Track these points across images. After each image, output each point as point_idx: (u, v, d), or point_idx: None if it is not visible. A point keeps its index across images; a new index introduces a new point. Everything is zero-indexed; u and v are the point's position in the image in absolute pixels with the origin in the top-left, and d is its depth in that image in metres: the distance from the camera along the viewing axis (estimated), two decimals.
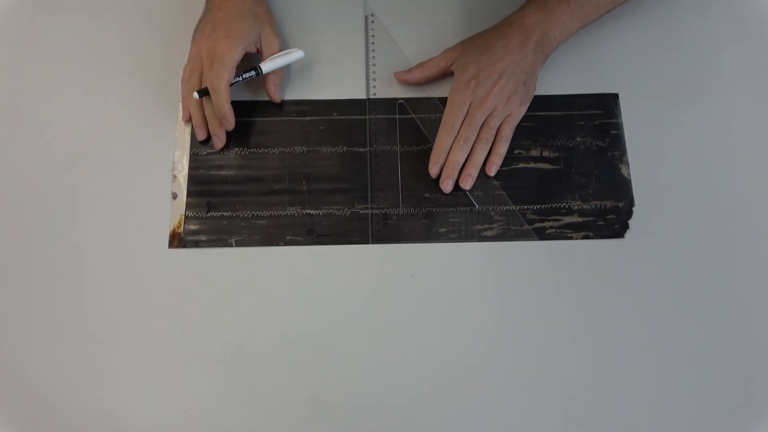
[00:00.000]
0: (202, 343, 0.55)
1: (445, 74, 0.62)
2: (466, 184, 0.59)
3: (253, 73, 0.60)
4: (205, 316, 0.56)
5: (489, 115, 0.59)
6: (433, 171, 0.59)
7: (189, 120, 0.61)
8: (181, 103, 0.62)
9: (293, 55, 0.62)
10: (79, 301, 0.56)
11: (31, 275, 0.57)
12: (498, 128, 0.60)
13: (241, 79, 0.59)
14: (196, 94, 0.59)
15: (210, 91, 0.58)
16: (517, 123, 0.60)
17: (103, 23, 0.66)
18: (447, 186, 0.59)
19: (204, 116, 0.61)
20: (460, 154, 0.59)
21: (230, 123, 0.59)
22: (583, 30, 0.64)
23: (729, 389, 0.54)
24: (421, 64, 0.62)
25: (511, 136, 0.60)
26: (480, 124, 0.59)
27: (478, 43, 0.61)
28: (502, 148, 0.60)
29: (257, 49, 0.61)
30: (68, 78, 0.64)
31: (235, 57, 0.58)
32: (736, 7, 0.67)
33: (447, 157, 0.59)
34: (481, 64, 0.59)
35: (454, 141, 0.59)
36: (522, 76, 0.59)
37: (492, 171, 0.59)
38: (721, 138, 0.61)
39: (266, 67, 0.61)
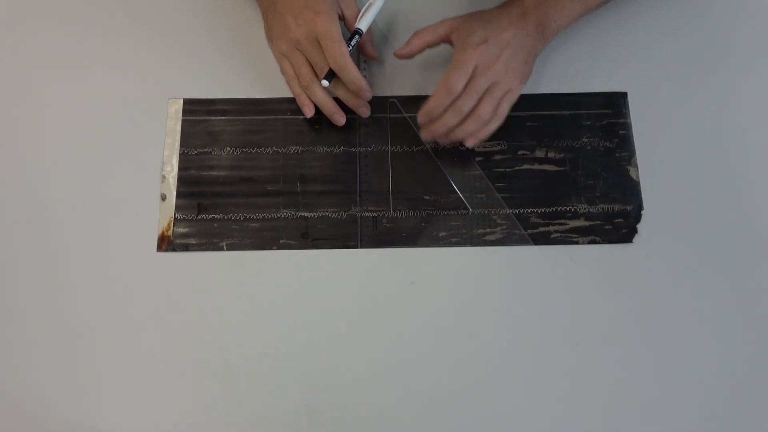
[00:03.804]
0: (192, 351, 0.53)
1: (444, 41, 0.58)
2: (444, 142, 0.57)
3: (357, 37, 0.58)
4: (195, 323, 0.54)
5: (491, 87, 0.56)
6: (421, 118, 0.56)
7: (314, 114, 0.59)
8: (299, 102, 0.59)
9: (378, 3, 0.59)
10: (64, 307, 0.54)
11: (14, 279, 0.55)
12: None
13: (351, 48, 0.57)
14: (325, 82, 0.56)
15: (337, 71, 0.56)
16: (515, 101, 0.57)
17: (90, 20, 0.64)
18: (426, 135, 0.57)
19: (333, 101, 0.59)
20: (453, 119, 0.55)
21: (369, 92, 0.58)
22: (590, 26, 0.62)
23: (741, 397, 0.52)
24: (417, 33, 0.58)
25: (506, 113, 0.57)
26: (482, 92, 0.55)
27: (480, 16, 0.58)
28: (494, 125, 0.57)
29: (340, 15, 0.59)
30: (54, 76, 0.62)
31: (338, 28, 0.56)
32: (750, 6, 0.65)
33: (439, 116, 0.56)
34: (489, 31, 0.56)
35: (450, 104, 0.55)
36: (524, 53, 0.57)
37: (471, 143, 0.57)
38: (733, 139, 0.60)
39: (364, 25, 0.58)
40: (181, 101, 0.61)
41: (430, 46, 0.58)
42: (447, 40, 0.58)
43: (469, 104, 0.55)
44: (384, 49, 0.63)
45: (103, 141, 0.59)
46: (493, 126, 0.57)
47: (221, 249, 0.56)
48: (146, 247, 0.56)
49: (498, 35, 0.56)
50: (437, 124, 0.56)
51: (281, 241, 0.57)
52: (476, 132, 0.56)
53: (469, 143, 0.57)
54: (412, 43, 0.58)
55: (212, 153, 0.59)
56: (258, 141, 0.60)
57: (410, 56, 0.59)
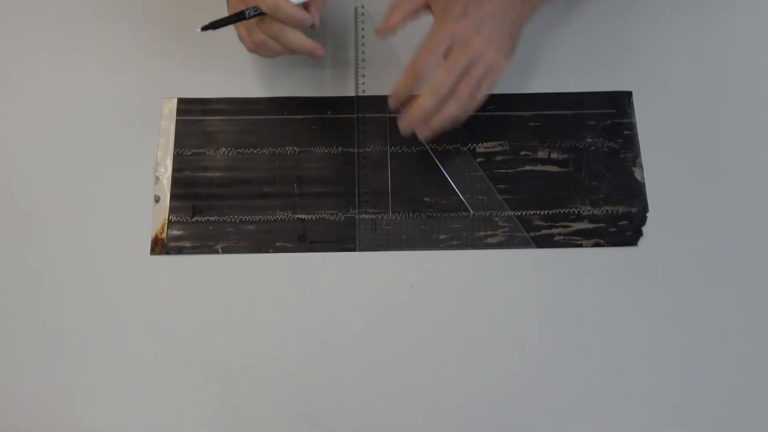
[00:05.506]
0: (186, 356, 0.52)
1: (424, 8, 0.55)
2: (425, 134, 0.52)
3: None
4: (190, 327, 0.53)
5: (472, 63, 0.50)
6: (392, 103, 0.53)
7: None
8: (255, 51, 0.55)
9: None
10: (55, 311, 0.54)
11: (3, 282, 0.54)
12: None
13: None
14: (251, 11, 0.50)
15: (271, 13, 0.50)
16: (498, 80, 0.52)
17: (82, 17, 0.63)
18: (405, 126, 0.52)
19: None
20: (429, 100, 0.50)
21: (310, 19, 0.52)
22: (593, 24, 0.61)
23: (749, 401, 0.52)
24: (394, 4, 0.54)
25: (486, 94, 0.52)
26: (460, 71, 0.50)
27: None
28: (473, 106, 0.52)
29: None
30: (44, 75, 0.61)
31: None
32: (758, 3, 0.63)
33: (413, 101, 0.52)
34: (470, 3, 0.52)
35: (426, 87, 0.51)
36: (508, 26, 0.53)
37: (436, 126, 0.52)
38: (741, 140, 0.59)
39: None
40: (175, 101, 0.60)
41: (410, 17, 0.54)
42: (426, 7, 0.54)
43: (446, 83, 0.50)
44: (382, 49, 0.62)
45: (95, 141, 0.58)
46: (472, 107, 0.52)
47: (216, 252, 0.55)
48: (139, 250, 0.55)
49: (480, 8, 0.51)
50: (413, 109, 0.51)
51: (278, 244, 0.56)
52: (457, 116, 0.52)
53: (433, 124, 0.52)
54: (391, 16, 0.54)
55: (207, 154, 0.58)
56: (254, 141, 0.59)
57: (392, 31, 0.54)
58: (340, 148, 0.58)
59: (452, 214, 0.56)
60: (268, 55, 0.55)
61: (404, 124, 0.53)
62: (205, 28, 0.52)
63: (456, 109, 0.51)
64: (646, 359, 0.52)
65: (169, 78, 0.60)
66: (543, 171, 0.58)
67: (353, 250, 0.55)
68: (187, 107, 0.60)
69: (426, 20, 0.62)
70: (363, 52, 0.62)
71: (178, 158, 0.58)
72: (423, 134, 0.52)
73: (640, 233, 0.56)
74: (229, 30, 0.62)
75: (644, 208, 0.56)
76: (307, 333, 0.53)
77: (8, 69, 0.61)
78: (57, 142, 0.58)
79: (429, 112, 0.51)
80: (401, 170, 0.58)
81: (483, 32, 0.51)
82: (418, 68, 0.51)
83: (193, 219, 0.56)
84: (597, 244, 0.55)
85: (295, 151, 0.58)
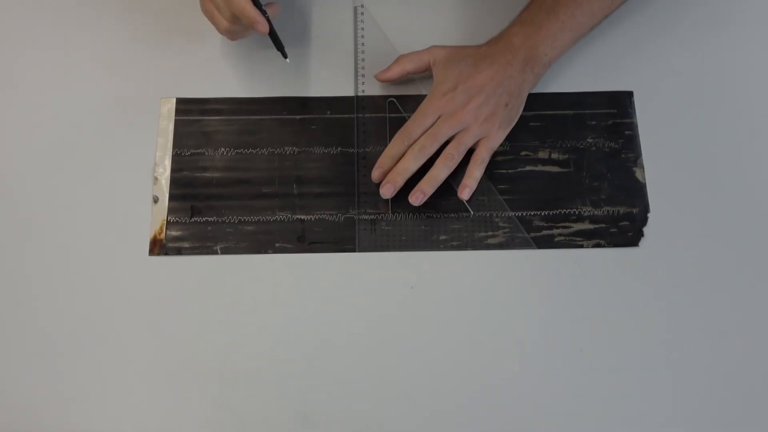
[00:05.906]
0: (184, 358, 0.52)
1: (427, 71, 0.58)
2: (416, 200, 0.54)
3: None
4: (188, 328, 0.53)
5: (461, 132, 0.55)
6: (375, 175, 0.56)
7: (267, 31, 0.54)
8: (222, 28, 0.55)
9: None
10: (53, 312, 0.53)
11: None
12: (474, 150, 0.56)
13: None
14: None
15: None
16: (495, 147, 0.56)
17: (80, 17, 0.63)
18: (385, 191, 0.55)
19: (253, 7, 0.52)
20: (411, 162, 0.54)
21: (261, 25, 0.52)
22: None
23: (750, 403, 0.51)
24: (400, 58, 0.58)
25: (487, 160, 0.56)
26: (443, 138, 0.54)
27: (464, 55, 0.57)
28: (477, 172, 0.55)
29: None
30: (42, 74, 0.61)
31: None
32: (759, 1, 0.63)
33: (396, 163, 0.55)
34: (462, 78, 0.55)
35: (408, 149, 0.55)
36: (504, 97, 0.55)
37: (465, 194, 0.55)
38: (742, 140, 0.58)
39: None
40: (174, 100, 0.59)
41: (410, 74, 0.58)
42: (428, 69, 0.58)
43: (427, 147, 0.54)
44: (382, 49, 0.62)
45: (93, 142, 0.58)
46: (477, 172, 0.55)
47: (215, 253, 0.55)
48: (138, 251, 0.55)
49: (470, 81, 0.55)
50: (394, 172, 0.54)
51: (277, 245, 0.55)
52: (462, 182, 0.55)
53: (462, 194, 0.55)
54: (393, 69, 0.58)
55: (206, 154, 0.58)
56: (253, 141, 0.58)
57: (389, 81, 0.59)
58: (339, 149, 0.58)
59: (452, 215, 0.56)
60: (226, 32, 0.55)
61: (384, 190, 0.55)
62: (286, 56, 0.58)
63: (445, 171, 0.55)
64: (646, 360, 0.52)
65: (168, 78, 0.60)
66: (544, 171, 0.58)
67: (353, 250, 0.55)
68: (186, 107, 0.59)
69: (426, 21, 0.62)
70: (363, 52, 0.61)
71: (176, 158, 0.58)
72: (413, 199, 0.54)
73: (641, 234, 0.55)
74: None
75: (645, 209, 0.56)
76: (306, 334, 0.53)
77: (8, 69, 0.61)
78: (55, 142, 0.58)
79: (409, 170, 0.54)
80: None
81: (469, 107, 0.54)
82: (406, 133, 0.55)
83: (192, 219, 0.56)
84: (598, 245, 0.55)
85: (294, 151, 0.58)
